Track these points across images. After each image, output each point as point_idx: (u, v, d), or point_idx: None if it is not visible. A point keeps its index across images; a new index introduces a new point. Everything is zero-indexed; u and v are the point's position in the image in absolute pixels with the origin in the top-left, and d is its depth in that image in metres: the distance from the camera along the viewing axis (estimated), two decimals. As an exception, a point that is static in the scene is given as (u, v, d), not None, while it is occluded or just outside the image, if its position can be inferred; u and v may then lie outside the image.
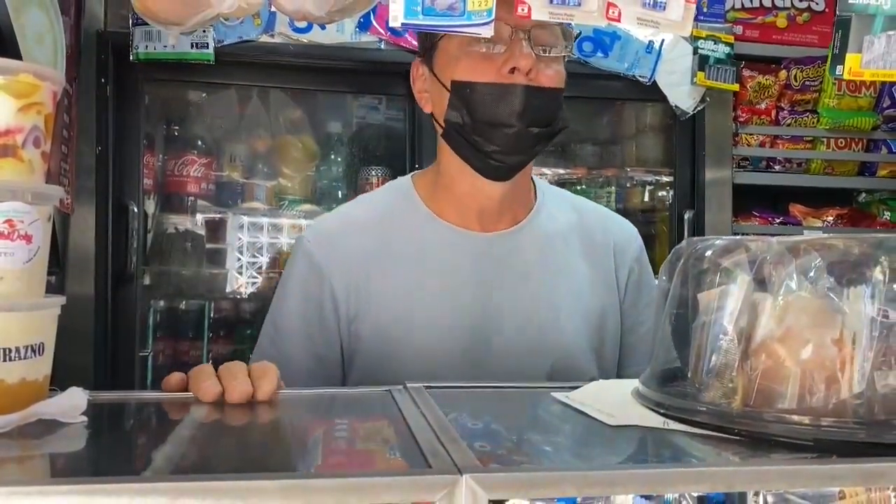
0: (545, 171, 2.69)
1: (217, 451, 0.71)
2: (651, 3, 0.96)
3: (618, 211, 2.67)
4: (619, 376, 1.25)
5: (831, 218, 2.54)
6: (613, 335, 1.26)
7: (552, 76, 1.11)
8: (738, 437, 0.69)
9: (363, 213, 1.24)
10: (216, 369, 0.85)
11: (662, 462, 0.66)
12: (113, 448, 0.71)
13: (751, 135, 2.45)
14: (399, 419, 0.74)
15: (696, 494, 0.71)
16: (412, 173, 1.28)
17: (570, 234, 1.25)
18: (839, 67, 1.00)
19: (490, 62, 1.09)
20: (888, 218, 2.59)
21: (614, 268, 1.26)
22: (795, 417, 0.68)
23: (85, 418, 0.72)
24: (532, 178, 1.27)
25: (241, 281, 2.67)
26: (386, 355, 1.14)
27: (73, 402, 0.73)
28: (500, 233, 1.20)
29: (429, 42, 1.16)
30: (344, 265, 1.17)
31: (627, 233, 1.31)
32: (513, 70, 1.07)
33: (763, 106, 2.46)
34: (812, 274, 0.73)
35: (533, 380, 1.13)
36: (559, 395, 0.86)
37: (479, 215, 1.19)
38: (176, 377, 0.86)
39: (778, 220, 2.51)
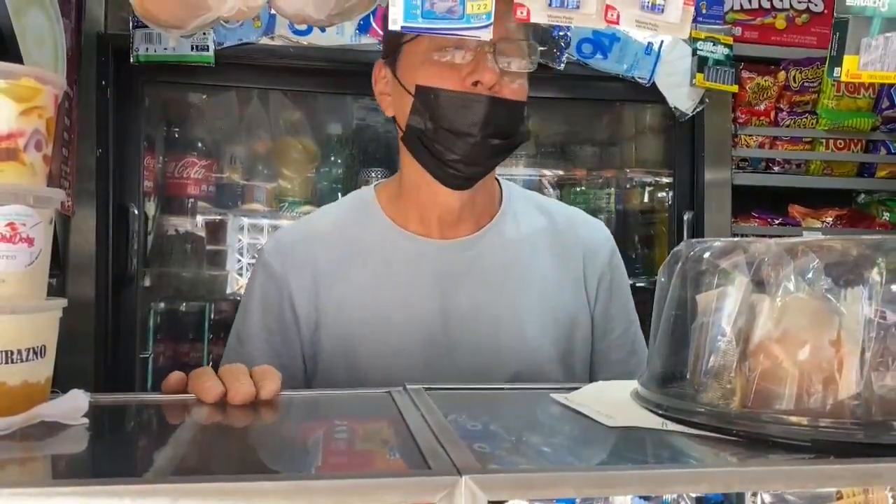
0: (545, 171, 2.70)
1: (217, 452, 0.71)
2: (649, 5, 0.97)
3: (617, 212, 2.69)
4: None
5: (830, 219, 2.55)
6: (583, 342, 1.24)
7: (515, 90, 1.12)
8: (736, 438, 0.69)
9: (323, 224, 1.25)
10: (216, 372, 0.86)
11: (661, 463, 0.66)
12: (114, 450, 0.71)
13: (750, 136, 2.46)
14: (399, 420, 0.74)
15: (694, 495, 0.72)
16: (375, 183, 1.30)
17: (538, 239, 1.24)
18: (837, 69, 1.01)
19: (455, 72, 1.09)
20: (887, 219, 2.59)
21: (584, 273, 1.25)
22: (793, 418, 0.69)
23: (86, 420, 0.73)
24: (498, 181, 1.27)
25: (242, 282, 2.67)
26: (347, 363, 1.15)
27: (74, 405, 0.73)
28: (460, 239, 1.20)
29: (393, 44, 1.16)
30: (303, 275, 1.18)
31: (598, 236, 1.30)
32: (476, 83, 1.08)
33: (762, 107, 2.46)
34: (810, 275, 0.73)
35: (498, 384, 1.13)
36: (558, 397, 0.86)
37: (439, 223, 1.20)
38: (175, 377, 0.86)
39: (777, 221, 2.51)
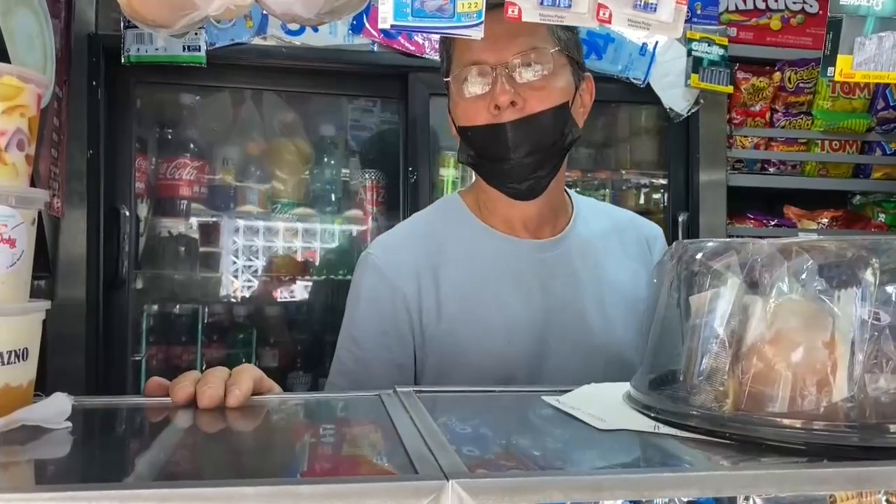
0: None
1: (202, 457, 0.70)
2: (642, 4, 0.96)
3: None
4: None
5: (826, 220, 2.54)
6: None
7: (542, 98, 1.15)
8: (728, 441, 0.68)
9: (420, 226, 1.31)
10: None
11: (652, 466, 0.65)
12: (98, 454, 0.70)
13: (745, 137, 2.45)
14: (388, 424, 0.73)
15: (685, 499, 0.71)
16: (458, 190, 1.38)
17: (608, 238, 1.31)
18: (830, 69, 1.00)
19: (482, 102, 1.15)
20: (883, 220, 2.59)
21: (652, 261, 1.31)
22: (787, 421, 0.68)
23: (69, 424, 0.71)
24: (565, 190, 1.33)
25: (237, 285, 2.65)
26: (458, 361, 1.18)
27: (57, 408, 0.72)
28: (547, 240, 1.26)
29: (445, 85, 1.23)
30: (411, 274, 1.21)
31: (654, 231, 1.39)
32: (497, 107, 1.13)
33: (757, 108, 2.46)
34: (803, 276, 0.72)
35: (588, 376, 1.13)
36: (550, 399, 0.85)
37: (524, 225, 1.25)
38: (155, 382, 0.86)
39: (772, 223, 2.51)
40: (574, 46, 1.22)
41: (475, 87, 1.15)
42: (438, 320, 1.19)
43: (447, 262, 1.22)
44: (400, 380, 1.18)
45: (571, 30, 1.22)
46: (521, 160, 1.15)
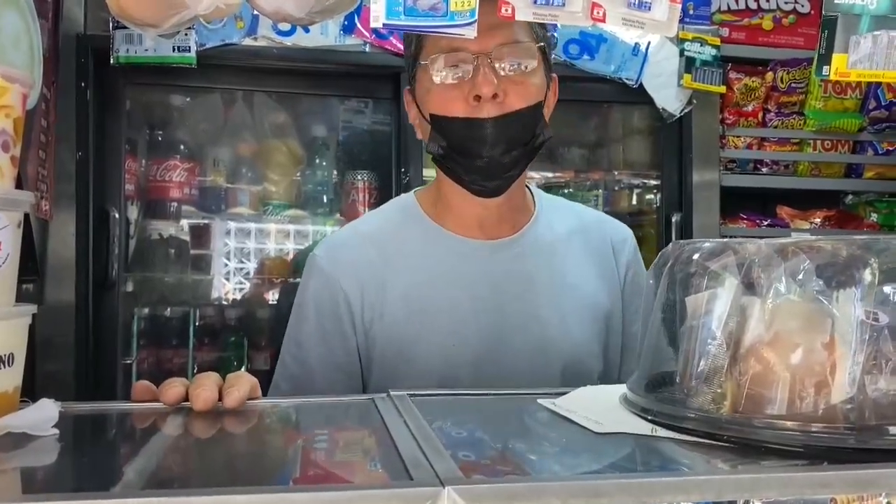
0: (533, 174, 2.68)
1: (192, 463, 0.69)
2: (636, 3, 0.95)
3: (605, 214, 2.67)
4: (619, 374, 1.28)
5: (819, 220, 2.55)
6: (617, 333, 1.28)
7: (522, 94, 1.11)
8: (727, 444, 0.67)
9: (370, 227, 1.28)
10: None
11: (650, 470, 0.65)
12: (85, 462, 0.69)
13: (738, 137, 2.45)
14: (382, 429, 0.72)
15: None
16: (414, 189, 1.33)
17: (571, 239, 1.28)
18: (825, 68, 0.99)
19: (458, 91, 1.10)
20: (875, 219, 2.59)
21: (615, 266, 1.29)
22: (786, 423, 0.67)
23: (56, 431, 0.70)
24: (528, 187, 1.30)
25: (229, 287, 2.64)
26: (401, 361, 1.16)
27: (43, 415, 0.70)
28: (503, 240, 1.23)
29: (410, 72, 1.19)
30: (355, 275, 1.19)
31: (623, 233, 1.34)
32: (478, 98, 1.09)
33: (750, 108, 2.46)
34: (801, 277, 0.72)
35: (545, 382, 1.15)
36: (546, 402, 0.84)
37: (480, 225, 1.22)
38: (142, 386, 0.85)
39: (766, 223, 2.51)
40: (548, 45, 1.19)
41: (454, 73, 1.10)
42: (382, 321, 1.17)
43: (395, 263, 1.20)
44: (342, 382, 1.17)
45: (546, 27, 1.19)
46: (497, 158, 1.12)
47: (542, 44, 1.15)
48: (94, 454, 0.71)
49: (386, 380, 1.14)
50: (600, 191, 2.69)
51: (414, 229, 1.23)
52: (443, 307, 1.17)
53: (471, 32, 0.91)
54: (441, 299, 1.17)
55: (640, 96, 2.33)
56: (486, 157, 1.11)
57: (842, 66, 0.99)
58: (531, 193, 1.30)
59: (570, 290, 1.23)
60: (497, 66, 1.09)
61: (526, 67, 1.12)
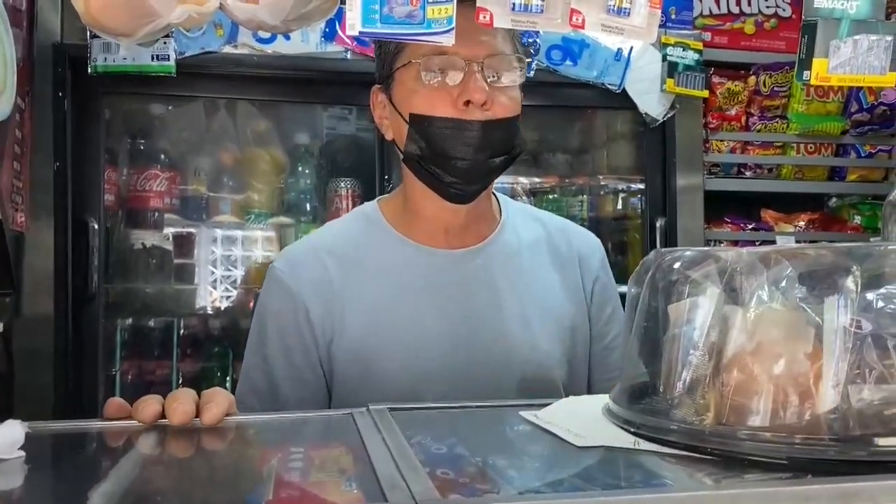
0: (521, 179, 2.68)
1: (164, 485, 0.67)
2: (615, 9, 0.94)
3: (590, 219, 2.68)
4: (589, 385, 1.27)
5: (803, 223, 2.55)
6: (584, 344, 1.26)
7: (507, 105, 1.12)
8: (710, 457, 0.66)
9: (331, 238, 1.25)
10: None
11: (631, 486, 0.63)
12: (53, 485, 0.67)
13: (721, 141, 2.46)
14: (359, 446, 0.71)
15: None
16: (378, 198, 1.31)
17: (537, 247, 1.27)
18: (806, 73, 0.99)
19: (446, 94, 1.10)
20: (859, 222, 2.60)
21: (581, 277, 1.27)
22: (769, 435, 0.66)
23: (23, 453, 0.68)
24: (494, 195, 1.29)
25: (216, 295, 2.61)
26: (362, 374, 1.14)
27: (9, 437, 0.68)
28: (467, 249, 1.21)
29: (386, 71, 1.17)
30: (315, 288, 1.17)
31: (591, 243, 1.33)
32: (467, 103, 1.09)
33: (733, 112, 2.46)
34: (784, 284, 0.71)
35: (506, 392, 1.14)
36: (527, 415, 0.83)
37: (445, 234, 1.21)
38: (115, 404, 0.83)
39: (750, 226, 2.51)
40: (524, 54, 1.19)
41: (443, 77, 1.09)
42: (343, 333, 1.15)
43: (356, 275, 1.18)
44: (307, 395, 1.16)
45: (523, 42, 1.20)
46: (480, 162, 1.11)
47: (520, 59, 1.15)
48: (63, 477, 0.69)
49: (350, 394, 1.14)
50: (585, 196, 2.68)
51: (376, 239, 1.22)
52: (405, 320, 1.15)
53: (448, 40, 0.90)
54: (404, 312, 1.16)
55: (623, 101, 2.33)
56: (469, 160, 1.11)
57: (822, 70, 0.99)
58: (497, 201, 1.29)
59: (535, 299, 1.22)
60: (487, 73, 1.10)
61: (512, 80, 1.13)
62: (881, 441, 0.64)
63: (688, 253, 0.79)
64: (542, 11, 0.92)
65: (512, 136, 1.14)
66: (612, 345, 1.28)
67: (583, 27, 0.93)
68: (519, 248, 1.24)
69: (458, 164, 1.11)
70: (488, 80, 1.10)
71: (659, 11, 0.95)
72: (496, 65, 1.11)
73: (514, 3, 0.91)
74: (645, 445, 0.70)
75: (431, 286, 1.18)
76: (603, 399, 0.85)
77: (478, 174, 1.13)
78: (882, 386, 0.67)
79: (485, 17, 0.91)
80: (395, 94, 1.16)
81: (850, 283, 0.69)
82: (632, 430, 0.74)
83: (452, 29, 0.90)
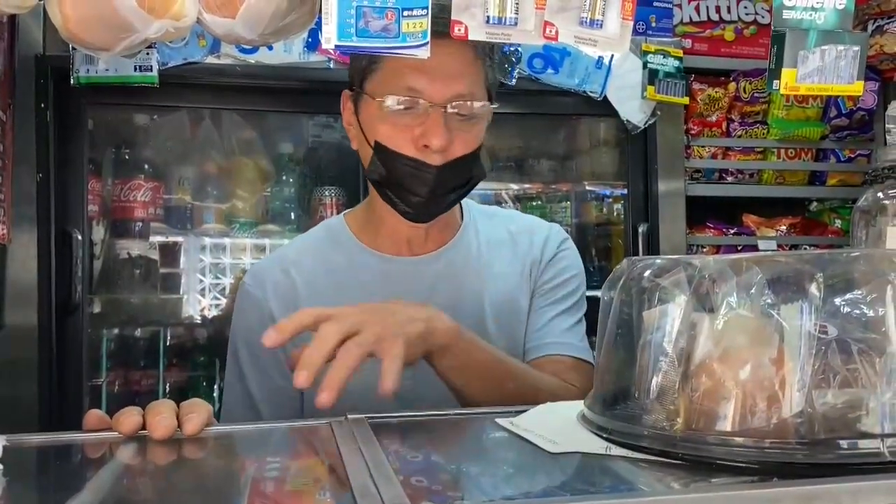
0: (512, 185, 2.71)
1: (141, 496, 0.67)
2: (588, 20, 0.96)
3: (575, 225, 2.69)
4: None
5: (784, 227, 2.57)
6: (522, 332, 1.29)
7: (468, 141, 1.16)
8: (680, 462, 0.68)
9: (295, 252, 1.31)
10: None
11: (601, 491, 0.64)
12: (31, 499, 0.67)
13: (702, 147, 2.48)
14: (335, 455, 0.71)
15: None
16: (343, 212, 1.36)
17: (499, 247, 1.31)
18: (776, 82, 1.01)
19: (408, 132, 1.14)
20: (839, 226, 2.63)
21: (539, 264, 1.30)
22: (738, 440, 0.67)
23: (1, 466, 0.68)
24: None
25: (205, 304, 2.61)
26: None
27: (-13, 450, 0.69)
28: (428, 255, 1.26)
29: (357, 83, 1.21)
30: (280, 295, 1.22)
31: (544, 232, 1.35)
32: (426, 146, 1.12)
33: (714, 118, 2.49)
34: (752, 291, 0.72)
35: None
36: (503, 421, 0.84)
37: (407, 243, 1.26)
38: (95, 416, 0.83)
39: (732, 231, 2.53)
40: (495, 82, 1.22)
41: (405, 117, 1.13)
42: (308, 340, 1.16)
43: (317, 286, 1.23)
44: (284, 403, 1.18)
45: (494, 66, 1.22)
46: (438, 197, 1.17)
47: (488, 97, 1.18)
48: (40, 490, 0.70)
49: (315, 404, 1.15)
50: (569, 202, 2.70)
51: (338, 250, 1.27)
52: None
53: (423, 53, 0.92)
54: None
55: (605, 109, 2.34)
56: (423, 197, 1.16)
57: (791, 80, 1.00)
58: (460, 205, 1.32)
59: (493, 300, 1.25)
60: (450, 117, 1.13)
61: (475, 120, 1.16)
62: (845, 444, 0.66)
63: (658, 261, 0.81)
64: (516, 24, 0.94)
65: (470, 168, 1.18)
66: (544, 310, 1.29)
67: (556, 39, 0.94)
68: (478, 250, 1.29)
69: (414, 199, 1.16)
70: (451, 120, 1.13)
71: (631, 23, 0.97)
72: (461, 108, 1.14)
73: (488, 16, 0.93)
74: (617, 451, 0.71)
75: (393, 293, 1.19)
76: (578, 406, 0.86)
77: (435, 208, 1.19)
78: (846, 390, 0.68)
79: (459, 30, 0.93)
80: (362, 111, 1.20)
81: (813, 289, 0.70)
82: (605, 435, 0.75)
83: (427, 43, 0.91)
